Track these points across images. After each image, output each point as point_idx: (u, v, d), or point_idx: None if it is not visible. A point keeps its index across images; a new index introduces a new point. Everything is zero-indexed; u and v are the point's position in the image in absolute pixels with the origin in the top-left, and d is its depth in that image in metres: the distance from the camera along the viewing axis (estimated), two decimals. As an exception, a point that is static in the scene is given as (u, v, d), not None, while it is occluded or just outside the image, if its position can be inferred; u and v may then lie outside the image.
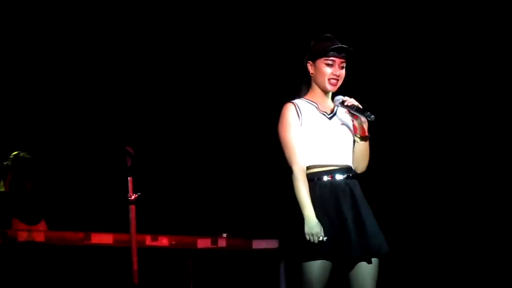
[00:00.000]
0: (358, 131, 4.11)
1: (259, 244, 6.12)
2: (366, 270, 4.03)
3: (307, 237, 3.91)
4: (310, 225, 3.93)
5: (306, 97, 4.17)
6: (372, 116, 4.02)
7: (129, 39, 7.06)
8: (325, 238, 3.91)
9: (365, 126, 4.11)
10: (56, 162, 6.90)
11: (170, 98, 7.22)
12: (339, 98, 4.12)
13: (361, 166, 4.17)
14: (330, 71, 4.10)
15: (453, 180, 6.76)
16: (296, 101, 4.14)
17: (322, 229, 3.92)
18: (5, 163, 6.16)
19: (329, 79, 4.11)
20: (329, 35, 4.15)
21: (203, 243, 6.06)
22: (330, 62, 4.10)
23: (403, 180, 6.82)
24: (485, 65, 6.66)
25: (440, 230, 6.73)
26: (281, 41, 6.73)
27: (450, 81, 6.79)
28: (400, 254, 6.54)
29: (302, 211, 3.95)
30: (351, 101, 4.08)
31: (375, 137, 4.22)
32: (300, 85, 4.19)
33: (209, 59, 7.18)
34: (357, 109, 4.06)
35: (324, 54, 4.08)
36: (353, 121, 4.13)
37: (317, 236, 3.91)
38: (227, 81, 7.21)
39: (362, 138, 4.12)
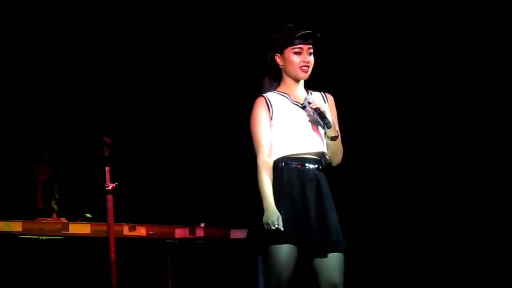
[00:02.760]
0: (326, 132, 4.16)
1: (237, 234, 6.14)
2: (332, 263, 4.06)
3: (265, 227, 3.97)
4: (268, 215, 3.98)
5: (278, 89, 4.21)
6: (329, 124, 4.10)
7: (106, 31, 7.04)
8: (282, 228, 3.95)
9: (332, 128, 4.15)
10: (33, 153, 6.87)
11: (147, 89, 7.22)
12: (309, 98, 4.14)
13: (335, 160, 4.24)
14: (299, 59, 4.14)
15: (433, 178, 6.77)
16: (267, 94, 4.18)
17: (280, 218, 3.97)
18: None
19: (300, 67, 4.14)
20: (290, 25, 4.20)
21: (181, 232, 6.08)
22: (298, 50, 4.14)
23: (380, 176, 6.85)
24: (475, 61, 6.64)
25: (420, 228, 6.75)
26: (255, 36, 6.73)
27: (434, 77, 6.78)
28: (372, 250, 6.61)
29: (262, 202, 4.01)
30: (316, 104, 4.11)
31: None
32: (263, 79, 4.24)
33: (184, 51, 7.18)
34: (319, 113, 4.10)
35: (291, 43, 4.12)
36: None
37: (273, 225, 3.96)
38: (203, 74, 7.21)
39: (331, 138, 4.17)
